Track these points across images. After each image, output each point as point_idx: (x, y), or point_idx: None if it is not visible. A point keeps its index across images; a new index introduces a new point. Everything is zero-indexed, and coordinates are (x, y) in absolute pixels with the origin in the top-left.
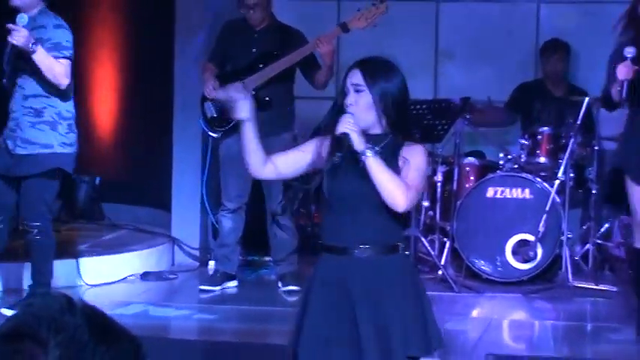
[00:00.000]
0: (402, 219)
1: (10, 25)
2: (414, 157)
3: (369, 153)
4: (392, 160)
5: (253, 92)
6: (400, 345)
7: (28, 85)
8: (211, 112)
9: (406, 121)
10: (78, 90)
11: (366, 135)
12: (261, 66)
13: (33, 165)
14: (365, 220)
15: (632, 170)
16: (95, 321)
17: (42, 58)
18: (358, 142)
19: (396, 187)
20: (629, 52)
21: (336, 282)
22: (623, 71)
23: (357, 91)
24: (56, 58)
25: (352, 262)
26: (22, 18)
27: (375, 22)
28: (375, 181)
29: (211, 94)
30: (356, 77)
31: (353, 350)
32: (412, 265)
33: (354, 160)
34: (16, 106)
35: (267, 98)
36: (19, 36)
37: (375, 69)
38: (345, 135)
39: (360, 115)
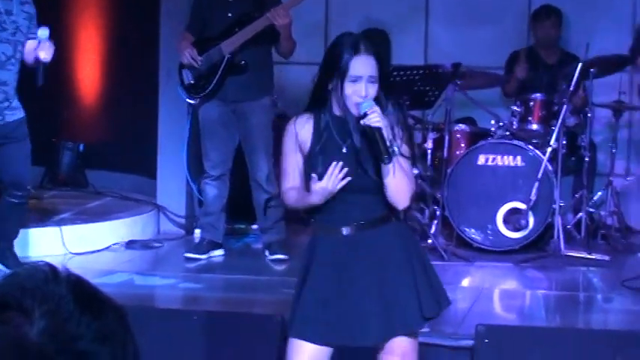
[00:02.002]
0: None
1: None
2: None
3: (395, 149)
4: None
5: (229, 56)
6: (415, 311)
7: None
8: (188, 79)
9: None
10: (61, 55)
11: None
12: (236, 30)
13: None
14: (355, 200)
15: None
16: (80, 291)
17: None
18: (388, 136)
19: (408, 191)
20: None
21: (333, 262)
22: None
23: (373, 82)
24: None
25: (347, 241)
26: (44, 31)
27: None
28: (392, 181)
29: (189, 61)
30: (372, 68)
31: (354, 316)
32: (407, 228)
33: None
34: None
35: (242, 62)
36: (48, 52)
37: (380, 55)
38: (378, 129)
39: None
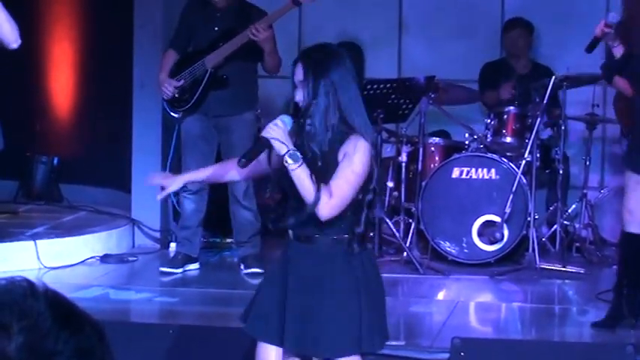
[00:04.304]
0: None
1: None
2: (355, 153)
3: (289, 160)
4: (330, 155)
5: (212, 70)
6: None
7: None
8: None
9: (354, 112)
10: (35, 68)
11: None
12: (221, 44)
13: None
14: (293, 205)
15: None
16: (58, 306)
17: None
18: (279, 148)
19: (312, 199)
20: (612, 16)
21: (283, 262)
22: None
23: (298, 87)
24: None
25: (293, 245)
26: None
27: None
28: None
29: (167, 95)
30: (298, 73)
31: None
32: (348, 261)
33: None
34: None
35: (224, 76)
36: None
37: (317, 60)
38: (267, 140)
39: None
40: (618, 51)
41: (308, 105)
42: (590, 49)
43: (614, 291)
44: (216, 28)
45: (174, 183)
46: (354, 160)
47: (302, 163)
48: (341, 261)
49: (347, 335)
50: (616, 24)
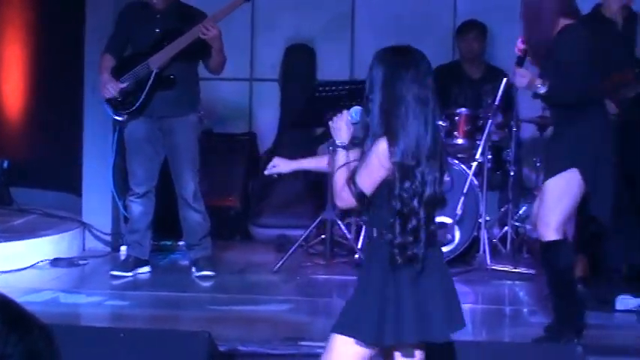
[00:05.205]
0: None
1: None
2: None
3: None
4: None
5: (157, 71)
6: None
7: None
8: (115, 95)
9: None
10: None
11: None
12: (165, 44)
13: None
14: None
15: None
16: (7, 310)
17: None
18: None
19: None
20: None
21: None
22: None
23: None
24: None
25: None
26: None
27: None
28: None
29: (110, 94)
30: None
31: None
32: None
33: None
34: None
35: (171, 76)
36: None
37: None
38: None
39: None
40: (520, 79)
41: None
42: (519, 64)
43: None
44: (157, 30)
45: (286, 166)
46: None
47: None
48: None
49: None
50: None
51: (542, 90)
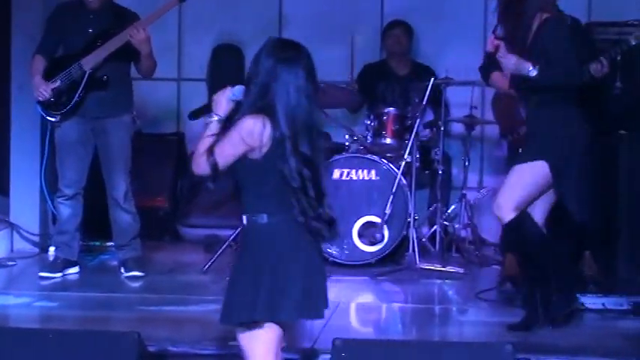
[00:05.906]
0: None
1: None
2: None
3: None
4: None
5: (90, 71)
6: None
7: None
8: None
9: None
10: None
11: None
12: (99, 44)
13: None
14: None
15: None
16: None
17: None
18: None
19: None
20: (500, 29)
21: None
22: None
23: None
24: None
25: None
26: None
27: None
28: None
29: (44, 97)
30: None
31: None
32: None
33: None
34: None
35: (104, 77)
36: None
37: None
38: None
39: None
40: (509, 62)
41: None
42: (485, 67)
43: (526, 296)
44: (90, 30)
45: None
46: None
47: None
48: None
49: None
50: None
51: (534, 73)
